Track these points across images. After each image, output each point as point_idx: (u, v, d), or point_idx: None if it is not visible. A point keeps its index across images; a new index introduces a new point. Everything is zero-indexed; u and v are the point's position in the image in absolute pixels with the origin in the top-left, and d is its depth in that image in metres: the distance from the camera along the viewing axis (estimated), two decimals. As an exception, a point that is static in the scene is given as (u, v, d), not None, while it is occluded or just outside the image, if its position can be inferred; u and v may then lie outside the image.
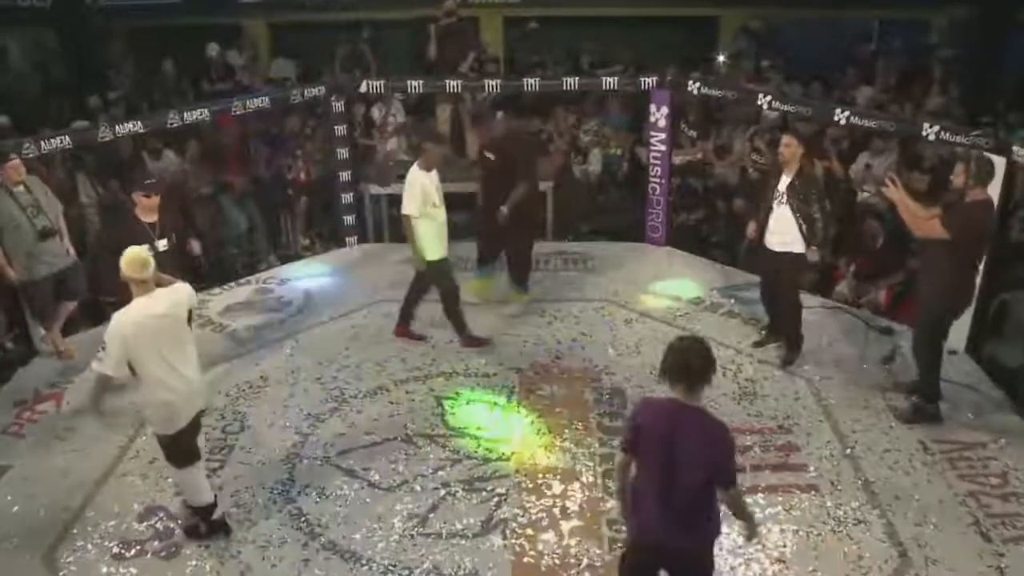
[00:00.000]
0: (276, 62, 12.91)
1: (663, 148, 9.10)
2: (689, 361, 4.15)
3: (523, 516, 5.68)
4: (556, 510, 5.74)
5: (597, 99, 10.73)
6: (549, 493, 5.89)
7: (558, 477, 6.05)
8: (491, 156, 7.97)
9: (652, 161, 9.18)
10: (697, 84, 8.66)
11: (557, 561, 5.32)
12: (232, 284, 8.81)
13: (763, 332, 7.78)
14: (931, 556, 5.37)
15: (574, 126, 10.62)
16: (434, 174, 7.23)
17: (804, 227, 6.89)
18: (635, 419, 4.30)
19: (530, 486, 5.94)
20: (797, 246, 6.97)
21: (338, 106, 8.98)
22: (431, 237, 7.25)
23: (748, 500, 5.53)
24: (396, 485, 5.95)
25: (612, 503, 5.58)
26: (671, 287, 8.73)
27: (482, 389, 7.03)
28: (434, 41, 9.71)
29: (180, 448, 5.18)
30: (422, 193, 7.09)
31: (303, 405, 6.82)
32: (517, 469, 6.13)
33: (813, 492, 5.95)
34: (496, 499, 5.82)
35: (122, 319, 4.88)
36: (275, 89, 9.14)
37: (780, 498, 5.88)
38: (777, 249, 7.10)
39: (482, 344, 7.60)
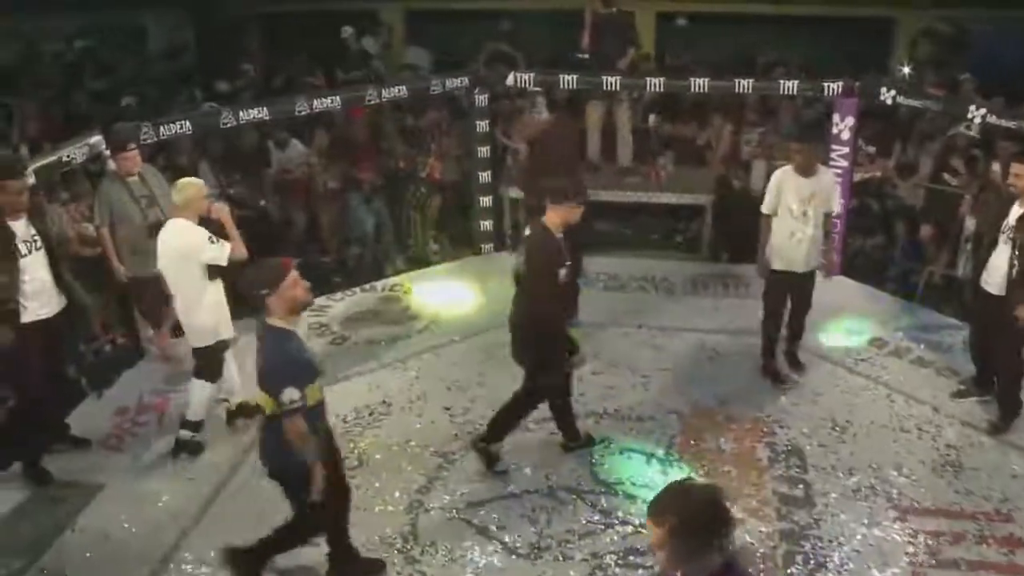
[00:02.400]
0: (410, 50, 12.19)
1: (844, 164, 7.96)
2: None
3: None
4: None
5: (760, 106, 9.60)
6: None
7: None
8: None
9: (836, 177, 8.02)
10: (892, 93, 7.48)
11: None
12: (356, 289, 8.05)
13: (961, 386, 6.61)
14: None
15: (734, 134, 9.52)
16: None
17: (1018, 269, 5.73)
18: None
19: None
20: None
21: (481, 100, 8.12)
22: None
23: None
24: (536, 551, 5.04)
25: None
26: (847, 324, 7.57)
27: (637, 436, 6.07)
28: (589, 32, 8.73)
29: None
30: None
31: (430, 440, 5.98)
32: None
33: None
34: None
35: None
36: (414, 79, 8.33)
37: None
38: (997, 293, 5.92)
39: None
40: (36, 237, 5.40)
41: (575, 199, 5.36)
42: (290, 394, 4.05)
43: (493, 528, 5.20)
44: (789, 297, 6.64)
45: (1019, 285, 5.76)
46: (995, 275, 5.92)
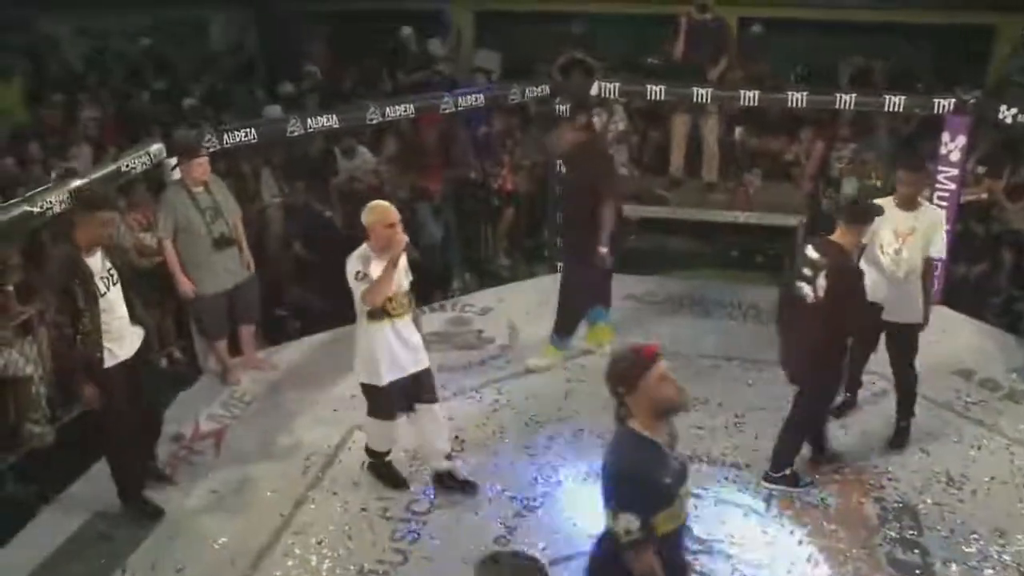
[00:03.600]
0: (479, 53, 11.72)
1: (953, 187, 7.36)
2: None
3: None
4: None
5: (854, 120, 8.98)
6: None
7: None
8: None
9: (938, 201, 7.43)
10: (1014, 111, 6.85)
11: None
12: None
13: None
14: None
15: (825, 149, 8.93)
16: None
17: None
18: None
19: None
20: None
21: (562, 109, 7.63)
22: None
23: None
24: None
25: None
26: (952, 361, 6.96)
27: (733, 486, 5.55)
28: (683, 39, 8.19)
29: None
30: None
31: (507, 483, 5.50)
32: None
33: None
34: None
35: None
36: (492, 86, 7.88)
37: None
38: None
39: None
40: (112, 271, 4.90)
41: (865, 221, 5.15)
42: (627, 522, 3.20)
43: (579, 590, 4.71)
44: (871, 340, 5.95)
45: None
46: None
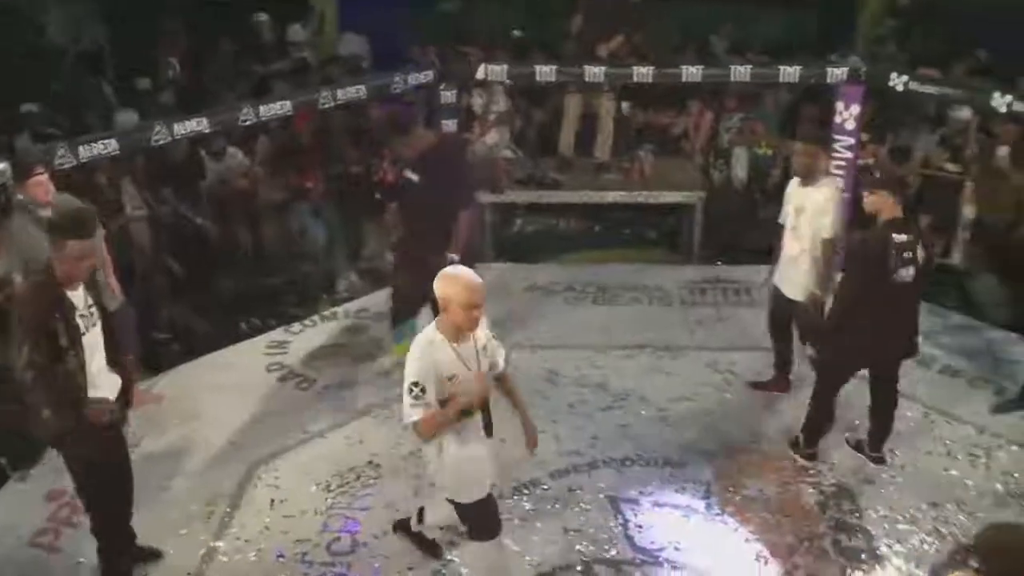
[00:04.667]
0: (343, 38, 11.04)
1: (849, 155, 7.29)
2: None
3: None
4: None
5: (741, 91, 8.85)
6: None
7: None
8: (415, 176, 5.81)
9: (835, 171, 7.34)
10: (904, 79, 6.80)
11: None
12: (315, 319, 7.03)
13: (996, 396, 6.11)
14: None
15: (715, 120, 8.79)
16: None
17: None
18: None
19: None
20: None
21: (448, 96, 7.19)
22: None
23: None
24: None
25: None
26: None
27: (669, 486, 5.28)
28: (581, 14, 7.80)
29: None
30: None
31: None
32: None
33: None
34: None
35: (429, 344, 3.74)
36: (374, 76, 7.32)
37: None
38: None
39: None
40: (93, 308, 4.15)
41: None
42: None
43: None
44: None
45: None
46: None
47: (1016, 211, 7.35)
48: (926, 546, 4.89)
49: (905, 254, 4.83)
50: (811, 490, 5.29)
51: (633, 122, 8.79)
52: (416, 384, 3.64)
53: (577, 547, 4.80)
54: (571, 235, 8.92)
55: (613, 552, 4.76)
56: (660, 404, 6.02)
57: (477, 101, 8.64)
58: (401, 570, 4.64)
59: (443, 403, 3.70)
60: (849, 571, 4.72)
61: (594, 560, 4.72)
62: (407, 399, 3.66)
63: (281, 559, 4.70)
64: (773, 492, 5.26)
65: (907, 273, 4.85)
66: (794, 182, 5.68)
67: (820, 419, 5.42)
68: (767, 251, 6.09)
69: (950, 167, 7.88)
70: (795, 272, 5.63)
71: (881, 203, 4.92)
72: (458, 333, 3.73)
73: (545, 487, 5.24)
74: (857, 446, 5.57)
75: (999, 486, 5.34)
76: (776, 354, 6.09)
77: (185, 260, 7.08)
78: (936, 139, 8.18)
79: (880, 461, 5.46)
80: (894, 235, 4.83)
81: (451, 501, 4.04)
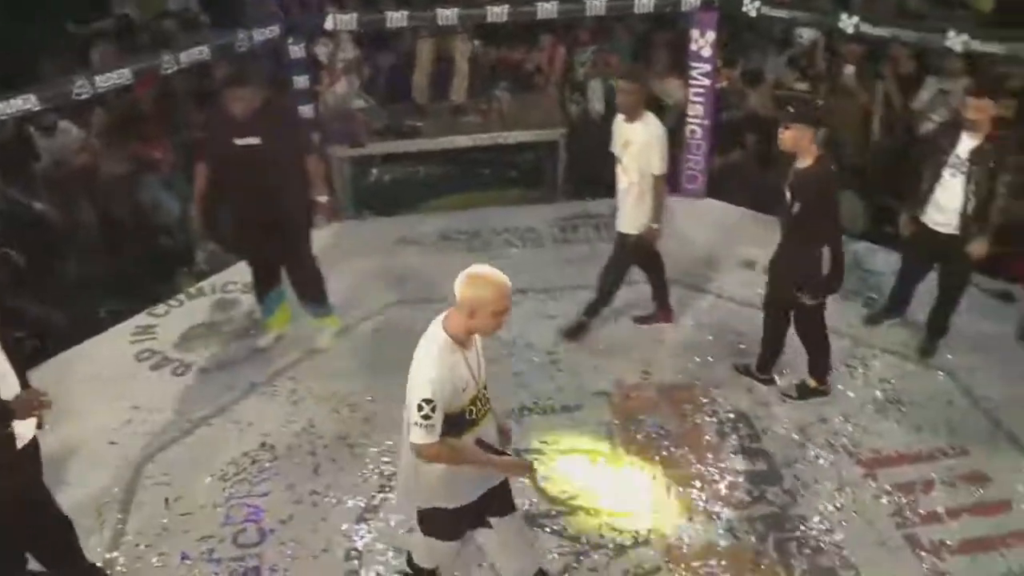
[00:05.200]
0: (171, -10, 10.31)
1: (707, 82, 7.37)
2: None
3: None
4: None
5: (592, 25, 8.79)
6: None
7: (722, 559, 4.46)
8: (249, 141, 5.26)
9: (694, 98, 7.45)
10: (756, 4, 6.87)
11: None
12: (180, 297, 6.64)
13: (865, 309, 6.35)
14: None
15: (568, 53, 8.72)
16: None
17: (975, 204, 5.36)
18: None
19: (695, 586, 4.33)
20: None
21: (296, 50, 6.82)
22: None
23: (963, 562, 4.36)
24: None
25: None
26: (735, 254, 7.09)
27: (570, 431, 5.29)
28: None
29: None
30: None
31: (339, 487, 4.90)
32: (667, 558, 4.47)
33: (1039, 543, 4.56)
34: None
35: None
36: (217, 36, 6.82)
37: (1004, 564, 4.47)
38: (949, 232, 5.52)
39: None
40: None
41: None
42: None
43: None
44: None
45: (974, 220, 5.40)
46: (947, 213, 5.49)
47: (864, 127, 7.62)
48: (821, 460, 5.09)
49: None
50: (710, 419, 5.39)
51: (486, 61, 8.60)
52: (428, 401, 3.18)
53: (490, 505, 4.74)
54: (431, 181, 8.75)
55: (527, 506, 4.71)
56: (548, 348, 6.00)
57: (322, 50, 8.26)
58: (316, 553, 4.49)
59: (448, 416, 3.29)
60: (755, 494, 4.85)
61: (509, 517, 4.67)
62: (415, 416, 3.19)
63: (187, 561, 4.46)
64: (674, 426, 5.34)
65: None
66: (619, 118, 5.66)
67: (824, 352, 5.50)
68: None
69: (800, 87, 8.07)
70: (624, 205, 5.70)
71: (799, 137, 4.92)
72: (469, 339, 3.36)
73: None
74: (746, 371, 5.71)
75: (878, 393, 5.61)
76: (652, 287, 6.15)
77: (26, 249, 6.51)
78: (784, 61, 8.34)
79: (770, 382, 5.63)
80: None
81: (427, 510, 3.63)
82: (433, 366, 3.22)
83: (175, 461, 5.08)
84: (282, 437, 5.24)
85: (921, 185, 5.55)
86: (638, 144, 5.51)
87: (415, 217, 7.80)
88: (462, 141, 7.96)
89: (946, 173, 5.39)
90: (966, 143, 5.32)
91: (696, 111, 7.50)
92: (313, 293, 5.86)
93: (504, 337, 6.06)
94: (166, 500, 4.81)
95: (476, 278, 3.25)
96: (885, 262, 6.64)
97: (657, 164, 5.51)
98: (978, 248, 5.42)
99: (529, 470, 3.69)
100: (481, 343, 3.46)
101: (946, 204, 5.43)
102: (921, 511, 4.76)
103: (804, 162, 4.95)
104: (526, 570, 3.82)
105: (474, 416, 3.41)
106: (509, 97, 8.33)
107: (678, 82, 7.98)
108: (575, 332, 6.07)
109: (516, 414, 5.39)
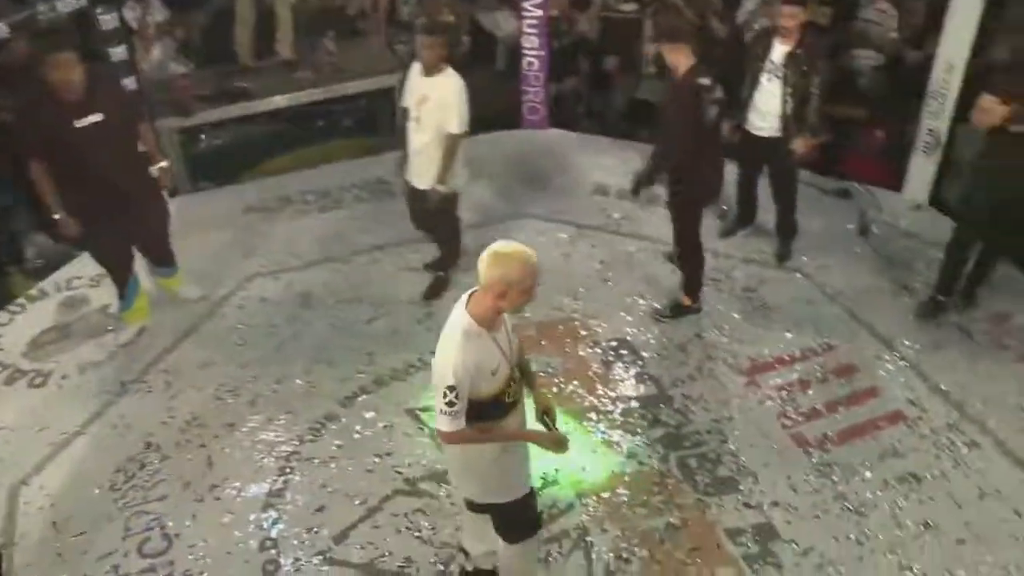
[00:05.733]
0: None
1: (539, 12, 7.35)
2: None
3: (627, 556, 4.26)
4: (656, 533, 4.39)
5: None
6: (636, 514, 4.48)
7: (630, 486, 4.63)
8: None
9: (527, 29, 7.42)
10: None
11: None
12: (21, 302, 6.14)
13: (719, 220, 6.58)
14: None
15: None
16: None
17: (792, 106, 5.66)
18: None
19: (608, 512, 4.48)
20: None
21: (108, 19, 6.34)
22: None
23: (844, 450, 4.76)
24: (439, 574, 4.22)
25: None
26: (586, 181, 7.22)
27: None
28: None
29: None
30: None
31: (238, 477, 4.73)
32: (578, 493, 4.59)
33: (903, 423, 5.01)
34: (583, 549, 4.29)
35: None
36: (14, 8, 6.20)
37: (874, 441, 4.88)
38: (772, 135, 5.80)
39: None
40: None
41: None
42: None
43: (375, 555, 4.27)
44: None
45: (793, 121, 5.68)
46: (767, 118, 5.77)
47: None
48: (704, 375, 5.34)
49: (709, 95, 5.03)
50: (593, 351, 5.51)
51: (308, 10, 8.24)
52: (452, 388, 3.13)
53: (395, 470, 4.73)
54: (264, 141, 8.33)
55: (432, 464, 4.72)
56: (418, 301, 5.93)
57: (130, 15, 7.70)
58: (229, 549, 4.35)
59: (483, 402, 3.27)
60: (650, 418, 5.01)
61: (417, 478, 4.68)
62: (440, 403, 3.17)
63: (92, 587, 4.23)
64: (560, 363, 5.42)
65: (714, 112, 5.09)
66: (416, 70, 5.37)
67: (697, 268, 5.68)
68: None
69: (626, 7, 8.15)
70: (421, 163, 5.45)
71: (679, 54, 5.04)
72: (497, 320, 3.27)
73: (342, 419, 5.05)
74: (668, 258, 6.02)
75: (742, 301, 5.92)
76: (438, 246, 6.03)
77: None
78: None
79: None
80: (700, 80, 5.00)
81: (489, 506, 3.64)
82: (457, 352, 3.15)
83: (54, 480, 4.74)
84: (167, 434, 4.99)
85: (742, 93, 5.78)
86: (436, 100, 5.24)
87: (258, 183, 7.44)
88: (297, 98, 7.63)
89: (763, 79, 5.67)
90: (779, 49, 5.59)
91: (531, 42, 7.49)
92: (165, 251, 5.71)
93: (373, 296, 6.01)
94: (54, 524, 4.50)
95: (502, 257, 3.13)
96: (730, 172, 6.84)
97: (455, 122, 5.27)
98: (800, 145, 5.74)
99: (565, 446, 3.57)
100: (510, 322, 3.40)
101: (765, 109, 5.71)
102: (802, 409, 5.07)
103: (677, 75, 5.10)
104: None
105: (512, 398, 3.38)
106: (334, 46, 8.02)
107: (509, 14, 7.91)
108: (436, 290, 5.97)
109: (402, 373, 5.36)
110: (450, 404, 3.15)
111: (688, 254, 5.63)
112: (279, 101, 7.62)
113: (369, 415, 5.07)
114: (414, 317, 5.82)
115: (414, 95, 5.33)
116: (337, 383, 5.28)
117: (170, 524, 4.46)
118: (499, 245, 3.17)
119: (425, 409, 5.06)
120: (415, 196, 5.63)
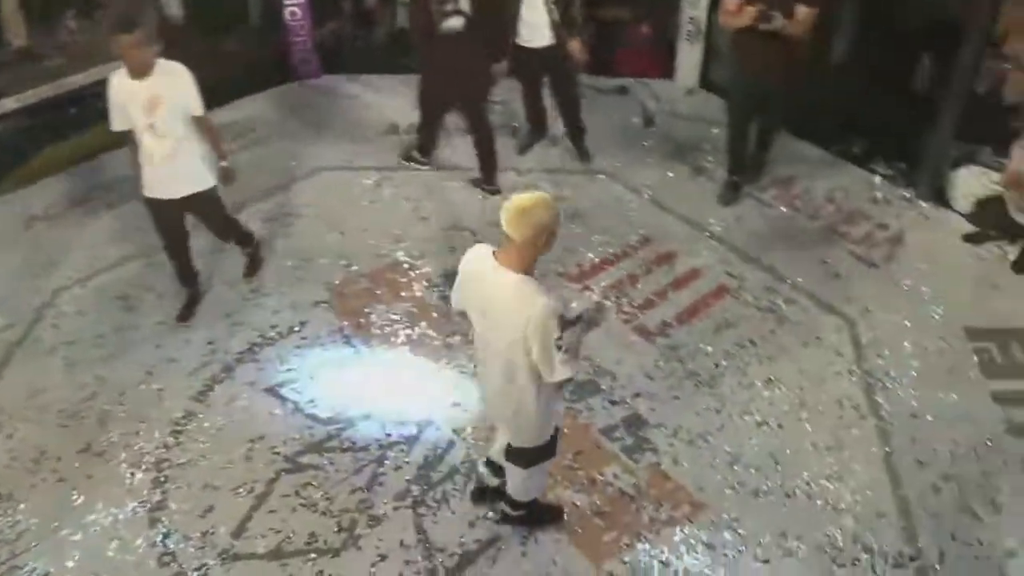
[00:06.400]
0: None
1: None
2: None
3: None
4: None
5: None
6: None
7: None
8: None
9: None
10: None
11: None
12: None
13: (513, 138, 6.86)
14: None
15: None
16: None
17: (559, 12, 5.95)
18: None
19: (488, 439, 4.62)
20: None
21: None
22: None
23: (684, 331, 5.17)
24: (348, 539, 4.28)
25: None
26: (375, 123, 7.22)
27: (308, 350, 5.26)
28: None
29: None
30: None
31: (110, 502, 4.50)
32: (454, 430, 4.75)
33: (728, 295, 5.51)
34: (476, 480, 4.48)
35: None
36: None
37: (711, 319, 5.35)
38: (540, 45, 6.07)
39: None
40: None
41: None
42: None
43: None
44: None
45: (562, 26, 5.97)
46: (538, 29, 6.01)
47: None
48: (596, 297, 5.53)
49: (447, 6, 5.40)
50: (429, 290, 5.63)
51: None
52: (560, 338, 3.21)
53: (273, 451, 4.68)
54: (13, 144, 7.60)
55: (309, 435, 4.74)
56: (239, 279, 5.79)
57: None
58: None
59: None
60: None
61: (296, 454, 4.66)
62: (557, 355, 3.22)
63: None
64: (400, 308, 5.49)
65: (455, 23, 5.47)
66: (120, 79, 4.70)
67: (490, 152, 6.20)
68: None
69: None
70: (176, 169, 4.93)
71: None
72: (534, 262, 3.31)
73: (200, 414, 4.92)
74: (476, 183, 6.27)
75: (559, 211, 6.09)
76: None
77: None
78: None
79: (496, 192, 6.20)
80: None
81: (528, 449, 3.72)
82: (545, 296, 3.21)
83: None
84: (16, 478, 4.61)
85: (512, 11, 6.01)
86: (169, 98, 4.70)
87: (28, 191, 6.78)
88: (55, 88, 7.02)
89: None
90: None
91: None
92: None
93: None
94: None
95: (529, 210, 3.16)
96: (515, 88, 7.00)
97: (198, 105, 4.82)
98: (575, 47, 6.05)
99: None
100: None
101: (533, 21, 5.98)
102: (637, 302, 5.42)
103: None
104: None
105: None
106: (75, 25, 7.47)
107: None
108: (253, 267, 5.83)
109: (248, 353, 5.24)
110: (565, 351, 3.24)
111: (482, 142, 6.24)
112: (32, 96, 7.00)
113: (228, 403, 4.96)
114: (241, 296, 5.69)
115: (136, 105, 4.69)
116: (185, 379, 5.11)
117: (51, 571, 4.20)
118: (517, 201, 3.20)
119: (282, 384, 5.02)
120: (174, 208, 5.12)
